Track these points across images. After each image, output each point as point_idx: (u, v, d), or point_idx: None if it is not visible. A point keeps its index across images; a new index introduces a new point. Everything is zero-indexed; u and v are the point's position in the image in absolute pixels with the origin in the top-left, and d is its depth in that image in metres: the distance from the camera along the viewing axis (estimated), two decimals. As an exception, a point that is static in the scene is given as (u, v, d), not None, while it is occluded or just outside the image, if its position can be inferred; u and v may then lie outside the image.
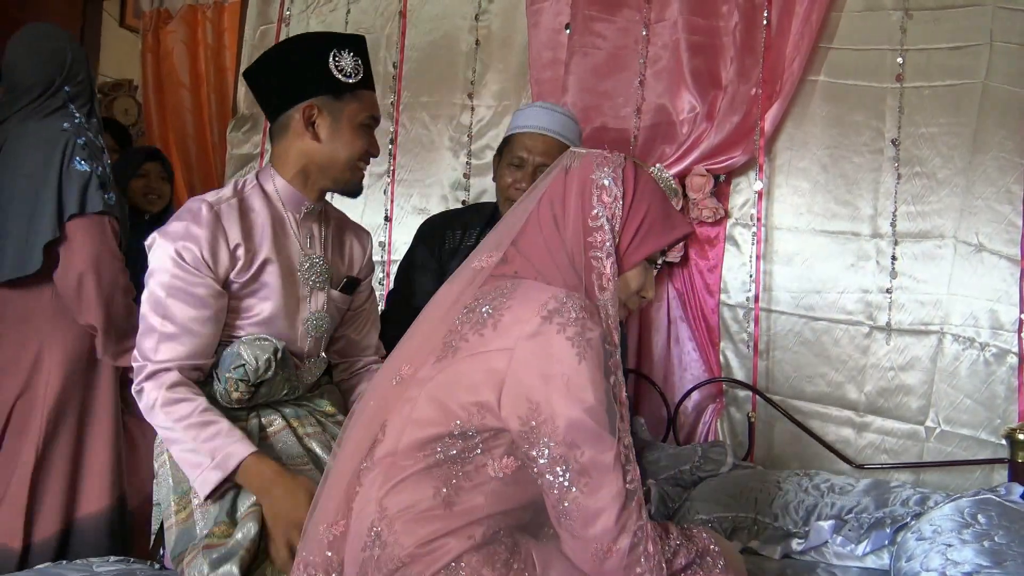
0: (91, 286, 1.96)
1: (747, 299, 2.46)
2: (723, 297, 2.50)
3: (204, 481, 1.48)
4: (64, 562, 1.78)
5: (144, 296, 1.58)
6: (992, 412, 2.18)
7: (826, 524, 1.85)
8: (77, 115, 2.07)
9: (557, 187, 1.28)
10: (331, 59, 1.62)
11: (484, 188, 2.76)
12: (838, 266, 2.38)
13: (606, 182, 1.25)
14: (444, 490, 1.16)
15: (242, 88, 3.35)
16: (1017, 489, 1.80)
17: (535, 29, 2.71)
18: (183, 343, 1.55)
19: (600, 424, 1.11)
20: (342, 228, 1.83)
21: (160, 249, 1.57)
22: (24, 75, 2.06)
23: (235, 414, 1.61)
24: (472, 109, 2.85)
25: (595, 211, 1.24)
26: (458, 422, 1.16)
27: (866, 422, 2.33)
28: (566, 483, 1.12)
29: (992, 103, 2.22)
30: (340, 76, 1.63)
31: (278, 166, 1.68)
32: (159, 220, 2.72)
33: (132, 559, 1.80)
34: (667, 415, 2.51)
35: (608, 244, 1.23)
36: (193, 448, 1.50)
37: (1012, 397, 2.15)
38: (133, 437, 2.62)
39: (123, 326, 2.02)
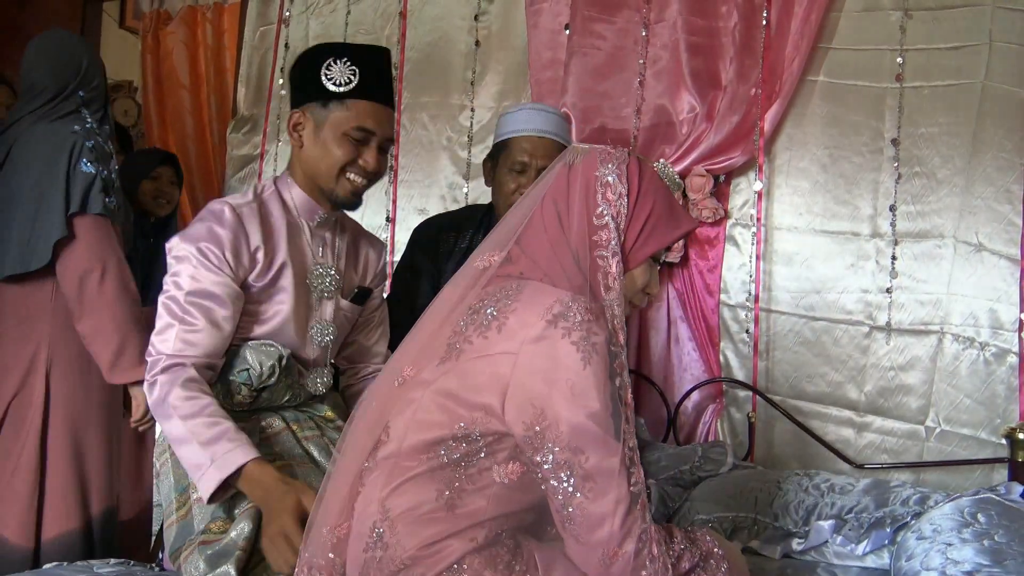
0: (93, 285, 1.96)
1: (747, 299, 2.46)
2: (723, 297, 2.50)
3: (206, 481, 1.46)
4: (65, 563, 1.78)
5: (164, 293, 1.58)
6: (992, 412, 2.18)
7: (826, 524, 1.85)
8: (89, 120, 2.08)
9: (560, 184, 1.26)
10: (323, 67, 1.60)
11: (484, 189, 2.76)
12: (838, 266, 2.38)
13: (611, 179, 1.24)
14: (447, 493, 1.15)
15: (242, 89, 3.36)
16: (1017, 488, 1.80)
17: (534, 30, 2.72)
18: (200, 340, 1.54)
19: (605, 429, 1.11)
20: (357, 238, 1.82)
21: (183, 248, 1.57)
22: (39, 78, 2.08)
23: (236, 415, 1.61)
24: (472, 110, 2.86)
25: (600, 209, 1.22)
26: (462, 424, 1.15)
27: (866, 422, 2.33)
28: (570, 488, 1.11)
29: (991, 103, 2.22)
30: (329, 84, 1.60)
31: (291, 173, 1.70)
32: (165, 224, 2.73)
33: (132, 562, 1.80)
34: (667, 415, 2.51)
35: (614, 242, 1.21)
36: (196, 448, 1.47)
37: (1012, 396, 2.15)
38: (144, 441, 2.63)
39: (125, 335, 2.00)
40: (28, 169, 2.00)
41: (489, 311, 1.18)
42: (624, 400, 1.14)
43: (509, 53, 2.84)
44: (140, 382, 1.98)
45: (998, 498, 1.73)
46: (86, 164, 1.98)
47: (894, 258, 2.31)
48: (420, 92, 2.92)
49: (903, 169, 2.31)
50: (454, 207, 2.76)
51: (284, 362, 1.62)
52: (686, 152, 2.48)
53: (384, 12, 3.06)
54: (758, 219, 2.45)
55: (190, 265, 1.55)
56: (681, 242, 2.48)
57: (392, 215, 2.89)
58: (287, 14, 3.20)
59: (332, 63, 1.60)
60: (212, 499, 1.46)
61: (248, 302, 1.61)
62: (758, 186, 2.45)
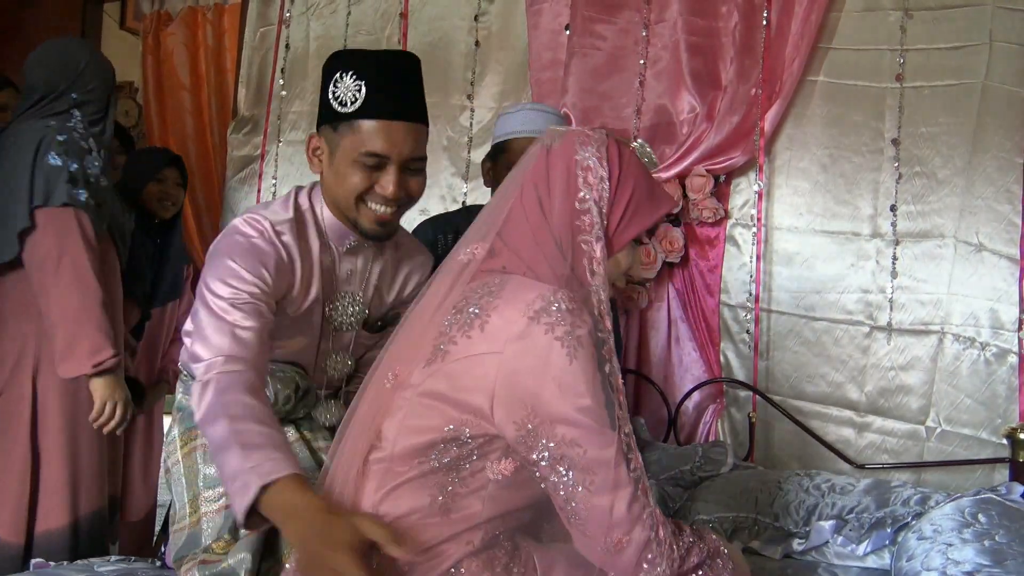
0: (47, 275, 1.97)
1: (747, 299, 2.46)
2: (723, 297, 2.50)
3: (242, 491, 1.21)
4: (65, 563, 1.78)
5: (204, 301, 1.44)
6: (993, 412, 2.18)
7: (827, 524, 1.85)
8: (76, 118, 2.10)
9: (540, 169, 1.23)
10: (331, 84, 1.46)
11: (484, 189, 2.76)
12: (838, 266, 2.38)
13: (591, 162, 1.21)
14: (440, 498, 1.14)
15: (242, 90, 3.36)
16: (1018, 488, 1.80)
17: (535, 30, 2.72)
18: (253, 340, 1.41)
19: (598, 421, 1.09)
20: (399, 260, 1.67)
21: (226, 264, 1.44)
22: (33, 80, 2.13)
23: None
24: (472, 110, 2.86)
25: (582, 193, 1.20)
26: (451, 427, 1.14)
27: (867, 422, 2.33)
28: (571, 483, 1.10)
29: (992, 103, 2.22)
30: (336, 104, 1.45)
31: (323, 191, 1.56)
32: (170, 225, 2.73)
33: (133, 558, 1.80)
34: (668, 415, 2.51)
35: (597, 227, 1.19)
36: (237, 452, 1.26)
37: (1012, 396, 2.15)
38: (152, 443, 2.63)
39: (76, 326, 1.98)
40: (3, 165, 2.05)
41: (472, 309, 1.16)
42: (615, 387, 1.13)
43: (509, 53, 2.84)
44: (101, 374, 2.00)
45: (999, 498, 1.73)
46: (53, 157, 2.00)
47: (895, 258, 2.30)
48: (420, 93, 2.92)
49: (903, 169, 2.31)
50: (454, 207, 2.76)
51: (299, 392, 1.57)
52: (686, 152, 2.48)
53: (385, 13, 3.06)
54: (758, 219, 2.45)
55: (230, 274, 1.43)
56: (681, 242, 2.48)
57: (393, 216, 2.89)
58: (287, 15, 3.21)
59: (339, 78, 1.45)
60: (248, 523, 1.22)
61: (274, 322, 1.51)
62: (758, 186, 2.45)
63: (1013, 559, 1.50)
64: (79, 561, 1.78)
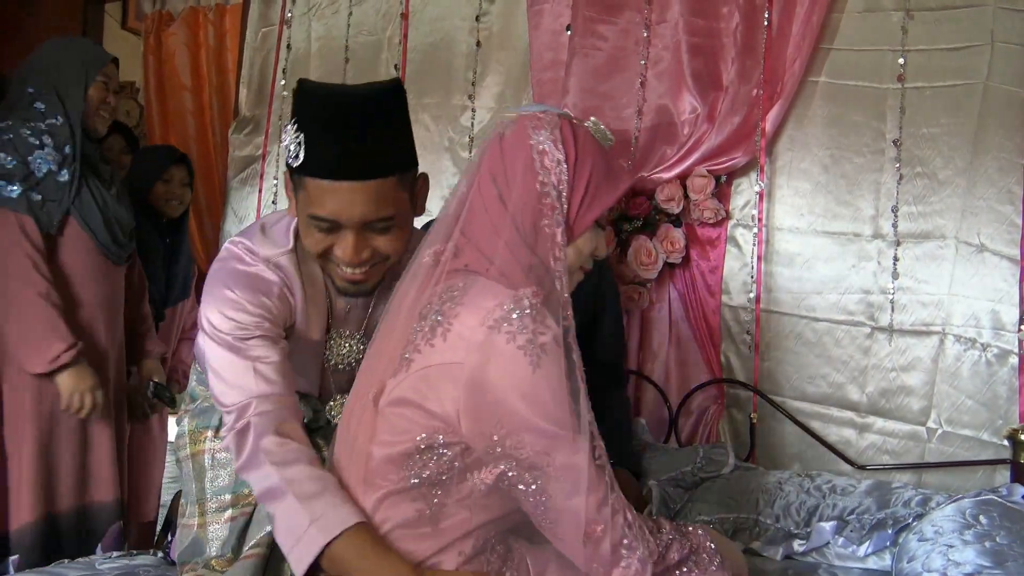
0: None
1: (748, 300, 2.46)
2: (724, 298, 2.50)
3: (303, 547, 1.15)
4: (66, 560, 1.78)
5: (211, 341, 1.36)
6: (994, 413, 2.17)
7: (828, 525, 1.85)
8: (38, 111, 2.12)
9: (495, 159, 1.20)
10: (284, 131, 1.30)
11: (485, 189, 2.77)
12: (839, 267, 2.38)
13: (546, 146, 1.18)
14: (428, 511, 1.13)
15: (244, 90, 3.36)
16: (1019, 490, 1.79)
17: (536, 31, 2.71)
18: (277, 374, 1.33)
19: (565, 427, 1.08)
20: None
21: (225, 295, 1.35)
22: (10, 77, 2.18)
23: None
24: (473, 111, 2.86)
25: (540, 178, 1.17)
26: (424, 435, 1.12)
27: (867, 423, 2.33)
28: (540, 491, 1.09)
29: (993, 103, 2.22)
30: (287, 155, 1.28)
31: None
32: (178, 224, 2.73)
33: (135, 552, 1.81)
34: (668, 416, 2.51)
35: (557, 212, 1.16)
36: (293, 503, 1.19)
37: (1014, 398, 2.15)
38: (155, 445, 2.64)
39: (23, 328, 2.02)
40: None
41: (435, 316, 1.13)
42: (580, 376, 1.11)
43: (510, 54, 2.84)
44: (62, 369, 2.03)
45: (1000, 499, 1.73)
46: None
47: (896, 259, 2.30)
48: (421, 93, 2.92)
49: (905, 170, 2.31)
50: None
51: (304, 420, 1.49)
52: (687, 153, 2.47)
53: (386, 13, 3.06)
54: (759, 220, 2.45)
55: (233, 306, 1.34)
56: (682, 243, 2.48)
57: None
58: (289, 15, 3.21)
59: (288, 125, 1.28)
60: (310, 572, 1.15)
61: None
62: (759, 187, 2.45)
63: (1014, 560, 1.50)
64: (80, 559, 1.78)
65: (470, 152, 2.83)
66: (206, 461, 1.55)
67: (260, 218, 1.65)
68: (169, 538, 1.78)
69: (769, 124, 2.42)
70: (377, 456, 1.15)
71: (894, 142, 2.32)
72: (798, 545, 1.86)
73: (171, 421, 2.94)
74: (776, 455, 2.43)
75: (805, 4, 2.36)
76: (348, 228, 1.27)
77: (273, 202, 3.15)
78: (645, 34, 2.55)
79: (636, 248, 2.50)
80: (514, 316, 1.08)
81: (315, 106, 1.27)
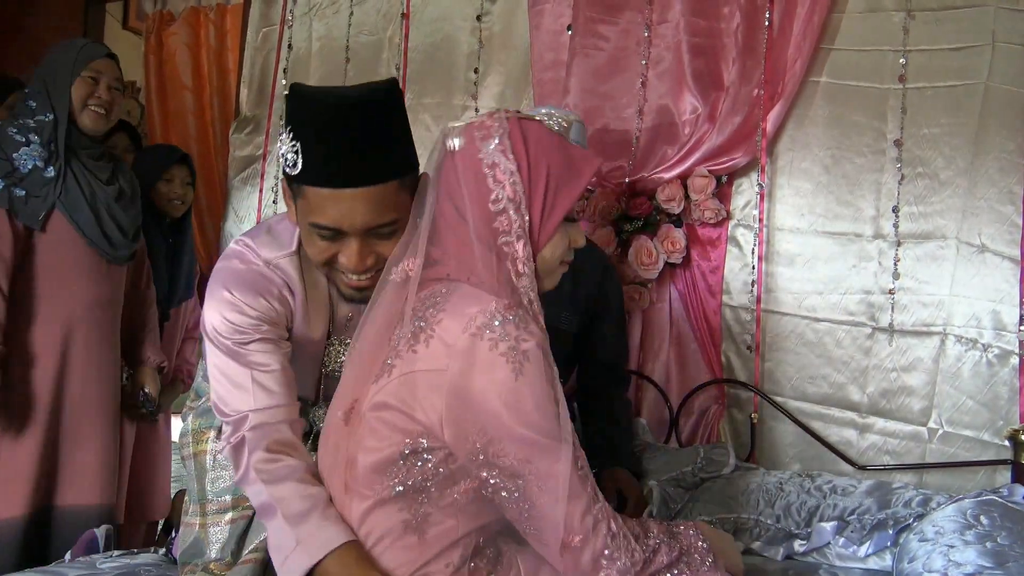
0: None
1: (749, 300, 2.46)
2: (725, 298, 2.50)
3: (290, 567, 1.17)
4: (66, 559, 1.78)
5: (212, 352, 1.36)
6: (995, 413, 2.17)
7: (828, 525, 1.85)
8: (30, 108, 2.13)
9: (449, 176, 1.17)
10: (279, 139, 1.28)
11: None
12: (840, 267, 2.38)
13: (496, 158, 1.14)
14: (414, 521, 1.13)
15: (244, 90, 3.36)
16: (1020, 490, 1.79)
17: (537, 31, 2.72)
18: (276, 383, 1.33)
19: (548, 435, 1.07)
20: None
21: (224, 296, 1.34)
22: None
23: None
24: (475, 111, 2.86)
25: (495, 194, 1.13)
26: (408, 441, 1.11)
27: (868, 423, 2.32)
28: (522, 499, 1.09)
29: (994, 104, 2.22)
30: (284, 164, 1.26)
31: None
32: (179, 224, 2.72)
33: (136, 551, 1.80)
34: (669, 416, 2.51)
35: (516, 225, 1.13)
36: (281, 523, 1.21)
37: (1014, 398, 2.14)
38: (146, 444, 2.63)
39: None
40: None
41: (418, 322, 1.12)
42: (557, 385, 1.10)
43: (511, 54, 2.84)
44: None
45: (1001, 500, 1.73)
46: None
47: (896, 259, 2.30)
48: (423, 93, 2.92)
49: (906, 170, 2.31)
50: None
51: (309, 439, 1.49)
52: (688, 153, 2.47)
53: (387, 13, 3.07)
54: (760, 220, 2.45)
55: (232, 308, 1.33)
56: (683, 243, 2.48)
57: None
58: (290, 15, 3.21)
59: (283, 133, 1.26)
60: None
61: None
62: (760, 187, 2.45)
63: (1015, 561, 1.50)
64: (81, 558, 1.78)
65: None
66: (208, 462, 1.54)
67: (266, 218, 1.63)
68: (172, 535, 1.78)
69: (770, 124, 2.42)
70: (361, 464, 1.14)
71: (895, 142, 2.32)
72: (799, 545, 1.86)
73: (175, 420, 2.95)
74: (777, 455, 2.43)
75: (806, 4, 2.36)
76: (351, 235, 1.25)
77: (274, 202, 3.15)
78: (646, 34, 2.55)
79: (637, 248, 2.50)
80: (496, 323, 1.07)
81: (310, 111, 1.23)
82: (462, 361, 1.08)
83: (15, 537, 2.06)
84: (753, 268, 2.45)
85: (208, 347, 1.37)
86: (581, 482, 1.08)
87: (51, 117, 2.14)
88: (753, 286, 2.44)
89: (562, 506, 1.07)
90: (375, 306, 1.21)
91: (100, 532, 1.90)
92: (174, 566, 1.70)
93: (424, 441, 1.11)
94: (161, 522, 2.87)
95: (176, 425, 2.95)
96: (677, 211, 2.49)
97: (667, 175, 2.49)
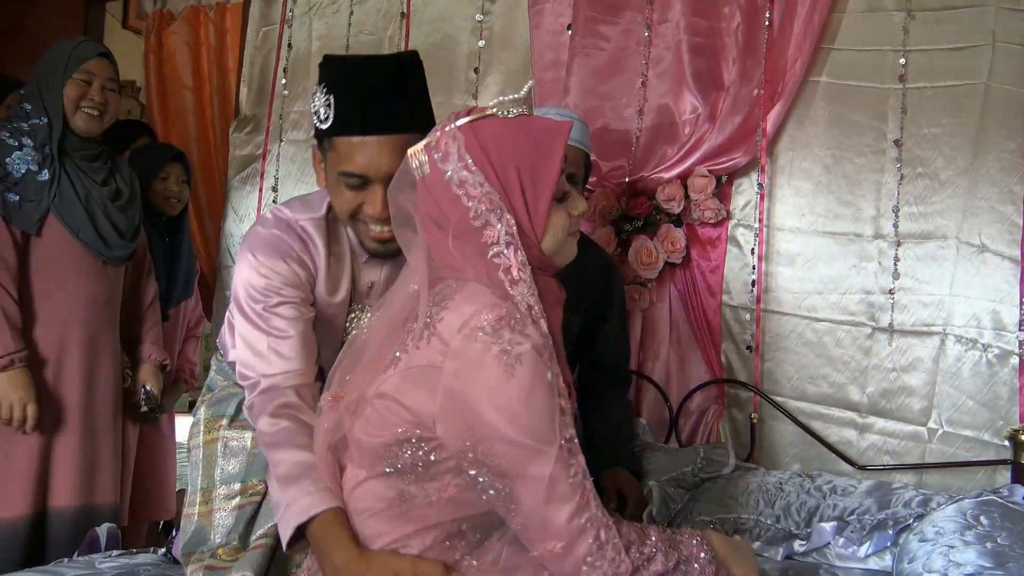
0: None
1: (749, 300, 2.46)
2: (725, 298, 2.50)
3: (282, 526, 1.26)
4: (66, 560, 1.78)
5: (237, 312, 1.45)
6: (995, 413, 2.17)
7: (828, 525, 1.85)
8: (25, 111, 2.13)
9: (427, 202, 1.17)
10: (312, 98, 1.40)
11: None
12: (840, 267, 2.38)
13: (462, 175, 1.13)
14: (399, 499, 1.15)
15: (244, 89, 3.36)
16: (1020, 490, 1.79)
17: (537, 30, 2.71)
18: (292, 351, 1.40)
19: (537, 438, 1.07)
20: None
21: (247, 258, 1.43)
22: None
23: None
24: (475, 110, 2.85)
25: (472, 211, 1.12)
26: (402, 429, 1.13)
27: (868, 423, 2.32)
28: (509, 498, 1.10)
29: (995, 104, 2.21)
30: (316, 120, 1.37)
31: None
32: (177, 223, 2.72)
33: (135, 550, 1.80)
34: (669, 416, 2.51)
35: (503, 233, 1.12)
36: (275, 485, 1.30)
37: (1014, 398, 2.14)
38: (150, 444, 2.63)
39: None
40: None
41: (426, 318, 1.14)
42: (559, 392, 1.10)
43: (512, 53, 2.84)
44: None
45: (1001, 500, 1.73)
46: None
47: (896, 259, 2.30)
48: (422, 93, 2.91)
49: (906, 170, 2.31)
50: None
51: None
52: (688, 152, 2.47)
53: (387, 13, 3.06)
54: (760, 220, 2.45)
55: (254, 280, 1.41)
56: (683, 243, 2.48)
57: (394, 215, 2.89)
58: (290, 15, 3.21)
59: (316, 91, 1.38)
60: (290, 547, 1.27)
61: None
62: (760, 187, 2.45)
63: (1015, 561, 1.50)
64: (79, 558, 1.78)
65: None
66: (219, 449, 1.57)
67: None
68: (173, 533, 1.78)
69: (770, 124, 2.42)
70: (359, 444, 1.18)
71: (895, 142, 2.32)
72: (798, 545, 1.86)
73: (179, 420, 2.94)
74: (776, 455, 2.43)
75: (806, 4, 2.36)
76: (376, 183, 1.33)
77: (274, 201, 3.15)
78: (646, 34, 2.55)
79: (637, 248, 2.50)
80: (491, 325, 1.08)
81: (344, 67, 1.40)
82: (456, 361, 1.09)
83: (15, 537, 2.06)
84: (753, 268, 2.45)
85: (236, 314, 1.44)
86: (572, 489, 1.08)
87: (45, 120, 2.13)
88: (753, 286, 2.44)
89: (547, 510, 1.08)
90: (390, 304, 1.23)
91: (101, 531, 1.90)
92: (173, 566, 1.70)
93: (418, 431, 1.13)
94: (161, 523, 2.87)
95: (180, 425, 2.97)
96: (677, 211, 2.49)
97: (667, 175, 2.49)
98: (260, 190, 3.23)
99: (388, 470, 1.15)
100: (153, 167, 2.61)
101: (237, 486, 1.52)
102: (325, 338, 1.50)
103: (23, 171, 2.09)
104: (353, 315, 1.52)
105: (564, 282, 1.26)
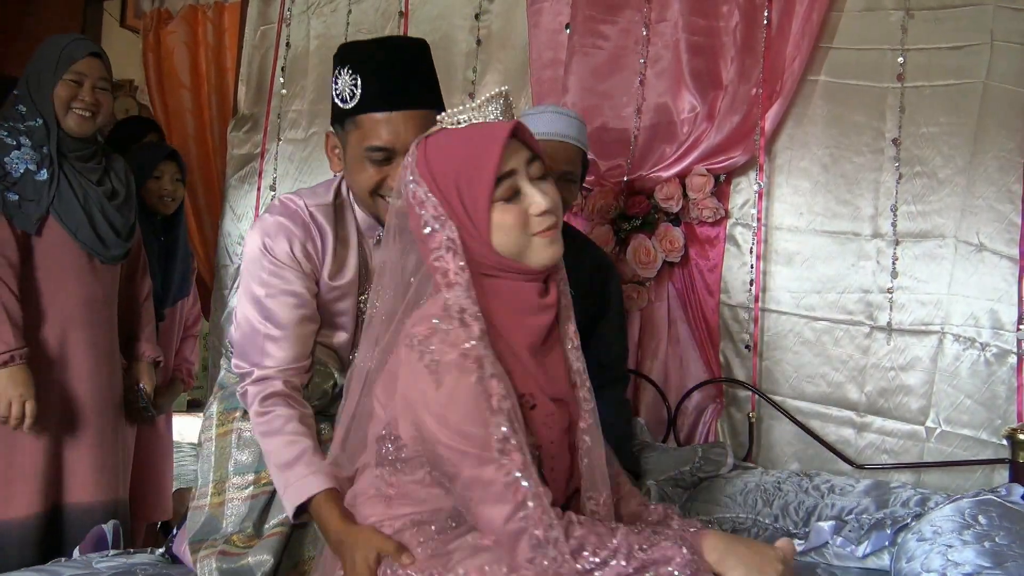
0: None
1: (747, 299, 2.46)
2: (723, 297, 2.50)
3: (287, 504, 1.39)
4: (63, 559, 1.78)
5: (240, 296, 1.52)
6: (993, 412, 2.17)
7: (826, 525, 1.85)
8: (20, 112, 2.13)
9: (414, 228, 1.23)
10: (334, 80, 1.47)
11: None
12: (839, 266, 2.38)
13: (416, 190, 1.20)
14: (384, 489, 1.23)
15: (243, 88, 3.36)
16: (1018, 490, 1.79)
17: (535, 29, 2.71)
18: (286, 345, 1.47)
19: (473, 444, 1.10)
20: None
21: (251, 246, 1.50)
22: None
23: None
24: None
25: (422, 221, 1.19)
26: (384, 425, 1.21)
27: (866, 422, 2.32)
28: (458, 497, 1.15)
29: (993, 102, 2.21)
30: (339, 101, 1.46)
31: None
32: (172, 221, 2.71)
33: (132, 550, 1.80)
34: (667, 415, 2.51)
35: (445, 238, 1.17)
36: (274, 471, 1.41)
37: (1012, 397, 2.14)
38: (148, 444, 2.62)
39: None
40: None
41: (399, 325, 1.22)
42: (492, 392, 1.12)
43: (510, 52, 2.84)
44: None
45: (999, 499, 1.73)
46: None
47: (895, 258, 2.30)
48: (421, 92, 2.91)
49: (904, 169, 2.31)
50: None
51: (336, 389, 1.58)
52: (687, 151, 2.47)
53: (385, 12, 3.06)
54: (759, 219, 2.45)
55: (262, 263, 1.48)
56: (681, 242, 2.48)
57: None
58: (288, 13, 3.20)
59: (339, 74, 1.45)
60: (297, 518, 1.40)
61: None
62: (758, 186, 2.45)
63: (1013, 560, 1.50)
64: (78, 558, 1.78)
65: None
66: (232, 440, 1.61)
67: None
68: (173, 532, 1.78)
69: (768, 123, 2.42)
70: (367, 434, 1.27)
71: (893, 141, 2.32)
72: (796, 545, 1.86)
73: (176, 420, 2.94)
74: (775, 455, 2.43)
75: (805, 3, 2.36)
76: (401, 156, 1.40)
77: (272, 199, 3.14)
78: (645, 33, 2.55)
79: (635, 247, 2.50)
80: (422, 335, 1.14)
81: (371, 49, 1.47)
82: (403, 369, 1.17)
83: (28, 535, 2.07)
84: (751, 267, 2.44)
85: (240, 295, 1.52)
86: (506, 489, 1.09)
87: (40, 122, 2.13)
88: (751, 285, 2.44)
89: (485, 510, 1.12)
90: (382, 282, 1.28)
91: (108, 528, 1.90)
92: (171, 565, 1.70)
93: (392, 430, 1.20)
94: (159, 523, 2.86)
95: (178, 425, 2.96)
96: (675, 210, 2.49)
97: (665, 174, 2.49)
98: (258, 189, 3.23)
99: (377, 461, 1.23)
100: (147, 166, 2.59)
101: (251, 476, 1.56)
102: (336, 323, 1.57)
103: (22, 170, 2.08)
104: (365, 295, 1.57)
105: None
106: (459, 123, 1.22)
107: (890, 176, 2.32)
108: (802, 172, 2.44)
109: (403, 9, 2.99)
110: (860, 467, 2.29)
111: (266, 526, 1.50)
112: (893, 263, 2.30)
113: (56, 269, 2.15)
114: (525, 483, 1.09)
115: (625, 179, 2.54)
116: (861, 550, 1.80)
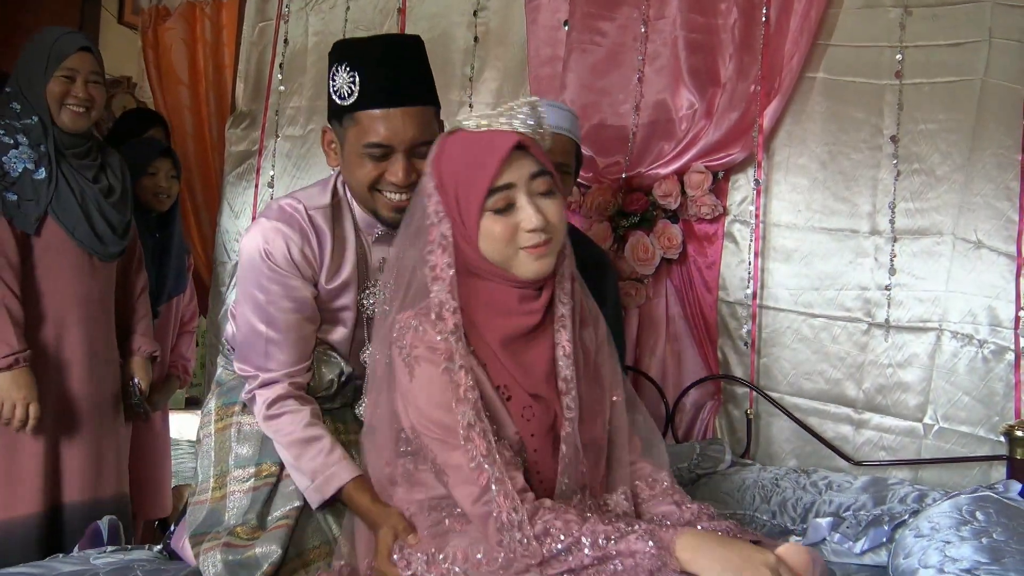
0: None
1: (745, 296, 2.46)
2: (721, 294, 2.50)
3: (311, 500, 1.49)
4: (60, 555, 1.78)
5: (240, 301, 1.55)
6: (990, 409, 2.17)
7: (824, 521, 1.85)
8: (15, 110, 2.11)
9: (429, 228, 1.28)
10: (331, 77, 1.47)
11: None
12: (836, 263, 2.38)
13: (427, 184, 1.27)
14: (399, 476, 1.32)
15: (240, 85, 3.35)
16: (1015, 486, 1.79)
17: (533, 26, 2.71)
18: (288, 349, 1.52)
19: (443, 431, 1.19)
20: None
21: (249, 251, 1.52)
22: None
23: None
24: (471, 107, 2.85)
25: (428, 211, 1.25)
26: (399, 420, 1.28)
27: (864, 419, 2.33)
28: (441, 480, 1.23)
29: (991, 100, 2.21)
30: (336, 98, 1.47)
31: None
32: (167, 218, 2.70)
33: (130, 547, 1.80)
34: (665, 412, 2.51)
35: (439, 234, 1.23)
36: (295, 467, 1.49)
37: (1010, 394, 2.14)
38: (144, 442, 2.62)
39: None
40: None
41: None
42: (458, 381, 1.18)
43: (508, 49, 2.84)
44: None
45: (996, 496, 1.73)
46: None
47: (893, 255, 2.30)
48: (419, 89, 2.91)
49: (902, 166, 2.31)
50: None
51: (343, 379, 1.60)
52: (685, 148, 2.47)
53: (383, 8, 3.06)
54: (757, 216, 2.45)
55: (262, 267, 1.50)
56: (679, 239, 2.48)
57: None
58: (286, 10, 3.20)
59: (336, 71, 1.46)
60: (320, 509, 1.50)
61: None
62: (757, 183, 2.45)
63: (1011, 556, 1.50)
64: (75, 554, 1.78)
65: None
66: (232, 434, 1.62)
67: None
68: (172, 528, 1.78)
69: (767, 120, 2.42)
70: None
71: (891, 138, 2.32)
72: (794, 541, 1.86)
73: (172, 416, 2.93)
74: (773, 451, 2.43)
75: (803, 0, 2.36)
76: (398, 152, 1.44)
77: (271, 197, 3.14)
78: (643, 30, 2.55)
79: (633, 244, 2.50)
80: (399, 330, 1.23)
81: (368, 47, 1.50)
82: (395, 365, 1.25)
83: (31, 533, 2.06)
84: (749, 264, 2.45)
85: (240, 300, 1.54)
86: (473, 473, 1.16)
87: (36, 119, 2.11)
88: (749, 282, 2.44)
89: (457, 493, 1.20)
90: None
91: (103, 523, 1.90)
92: (168, 562, 1.69)
93: (400, 423, 1.27)
94: (156, 521, 2.86)
95: (175, 422, 2.96)
96: (673, 207, 2.49)
97: (663, 171, 2.49)
98: (256, 186, 3.22)
99: (397, 452, 1.30)
100: (141, 163, 2.58)
101: (252, 469, 1.57)
102: (336, 319, 1.59)
103: (20, 170, 2.07)
104: (369, 291, 1.59)
105: None
106: (478, 127, 1.26)
107: (888, 173, 2.32)
108: (800, 169, 2.44)
109: (401, 6, 2.98)
110: (858, 464, 2.29)
111: (270, 518, 1.51)
112: (891, 260, 2.30)
113: (54, 268, 2.14)
114: (487, 467, 1.16)
115: (623, 176, 2.54)
116: (859, 546, 1.80)
